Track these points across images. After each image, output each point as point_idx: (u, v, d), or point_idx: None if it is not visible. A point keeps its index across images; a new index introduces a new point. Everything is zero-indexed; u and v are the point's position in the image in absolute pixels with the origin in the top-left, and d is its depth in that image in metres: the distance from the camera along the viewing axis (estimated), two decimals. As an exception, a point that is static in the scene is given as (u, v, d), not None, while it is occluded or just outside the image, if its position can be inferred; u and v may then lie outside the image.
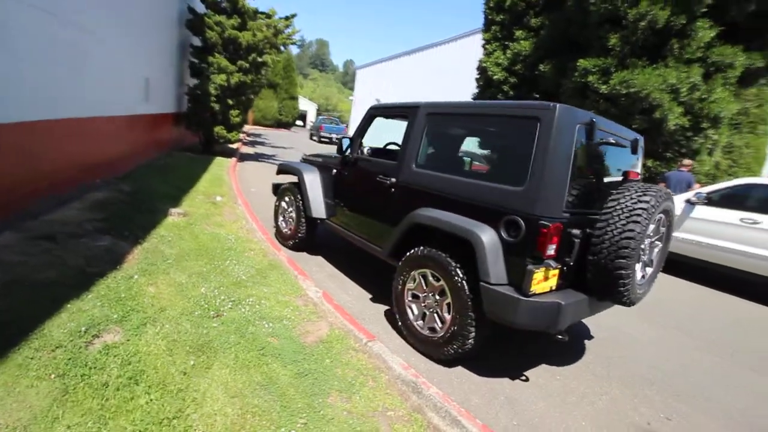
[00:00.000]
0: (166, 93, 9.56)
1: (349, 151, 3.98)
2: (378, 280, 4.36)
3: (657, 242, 2.77)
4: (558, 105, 2.38)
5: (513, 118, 2.60)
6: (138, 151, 7.86)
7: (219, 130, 11.01)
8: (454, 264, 2.71)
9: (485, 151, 2.89)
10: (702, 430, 2.58)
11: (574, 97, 9.47)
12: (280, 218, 5.10)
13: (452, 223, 2.69)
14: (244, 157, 12.92)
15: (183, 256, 3.84)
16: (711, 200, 5.72)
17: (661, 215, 2.64)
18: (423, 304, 3.01)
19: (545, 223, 2.33)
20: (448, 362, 2.86)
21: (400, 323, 3.15)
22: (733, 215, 5.30)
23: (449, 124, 3.14)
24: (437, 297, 2.89)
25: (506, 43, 11.82)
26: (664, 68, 8.01)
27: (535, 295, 2.36)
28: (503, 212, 2.51)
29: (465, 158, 2.99)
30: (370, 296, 3.92)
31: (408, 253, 3.08)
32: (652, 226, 2.50)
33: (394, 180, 3.36)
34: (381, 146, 4.52)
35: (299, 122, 49.56)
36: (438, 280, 2.85)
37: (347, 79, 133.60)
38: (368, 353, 2.70)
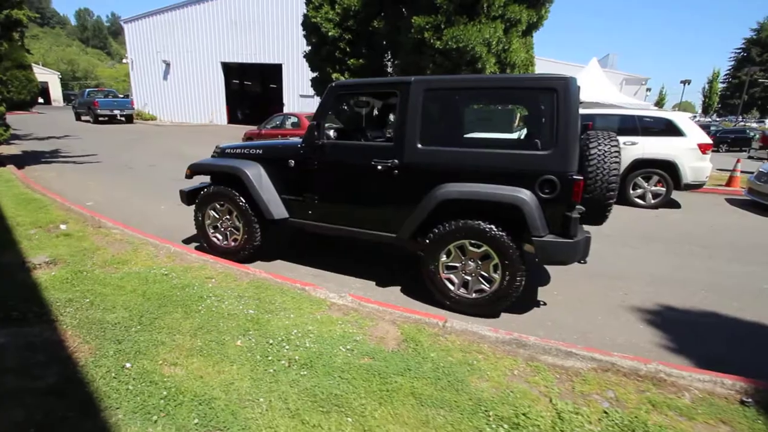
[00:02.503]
0: None
1: (310, 137, 3.51)
2: (364, 263, 4.26)
3: None
4: (569, 76, 2.81)
5: (528, 90, 2.91)
6: None
7: (-31, 128, 7.34)
8: (497, 229, 2.99)
9: (495, 122, 3.13)
10: (642, 294, 3.82)
11: (412, 53, 10.37)
12: (211, 231, 4.17)
13: (495, 193, 2.92)
14: (19, 162, 9.16)
15: (142, 315, 2.82)
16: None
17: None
18: (462, 273, 3.22)
19: (577, 177, 2.84)
20: (497, 313, 3.25)
21: (439, 297, 3.29)
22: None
23: (453, 98, 3.20)
24: (479, 262, 3.15)
25: (332, -3, 11.62)
26: (479, 25, 9.62)
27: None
28: (537, 174, 2.89)
29: (482, 130, 3.15)
30: (374, 282, 3.84)
31: (437, 231, 3.17)
32: (617, 162, 3.35)
33: (396, 162, 3.26)
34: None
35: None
36: (479, 246, 3.09)
37: (87, 35, 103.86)
38: (454, 333, 2.79)
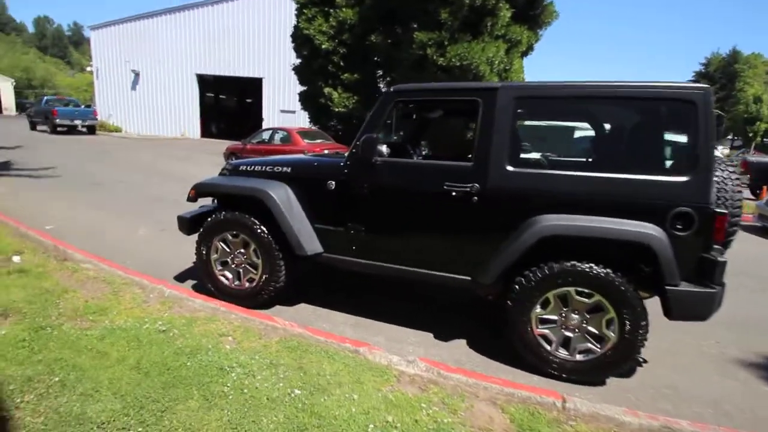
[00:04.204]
0: None
1: (365, 153, 2.77)
2: (406, 303, 3.51)
3: None
4: (708, 86, 2.27)
5: (659, 101, 2.34)
6: None
7: None
8: (614, 274, 2.36)
9: (607, 140, 2.55)
10: (732, 340, 3.28)
11: (412, 69, 9.92)
12: (218, 268, 3.30)
13: (619, 229, 2.29)
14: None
15: (143, 406, 1.94)
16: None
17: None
18: (562, 328, 2.55)
19: (720, 211, 2.27)
20: (604, 380, 2.58)
21: (531, 359, 2.59)
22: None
23: (553, 110, 2.60)
24: (586, 315, 2.49)
25: (326, 9, 11.06)
26: (483, 43, 9.33)
27: (715, 282, 2.33)
28: (669, 206, 2.29)
29: (594, 150, 2.57)
30: (431, 334, 3.08)
31: (531, 275, 2.50)
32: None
33: (477, 186, 2.58)
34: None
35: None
36: (589, 296, 2.44)
37: (46, 43, 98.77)
38: (580, 417, 2.08)
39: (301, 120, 16.67)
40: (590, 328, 2.49)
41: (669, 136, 2.48)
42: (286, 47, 14.89)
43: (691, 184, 2.27)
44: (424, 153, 3.38)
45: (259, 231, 3.05)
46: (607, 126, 2.64)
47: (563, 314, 2.53)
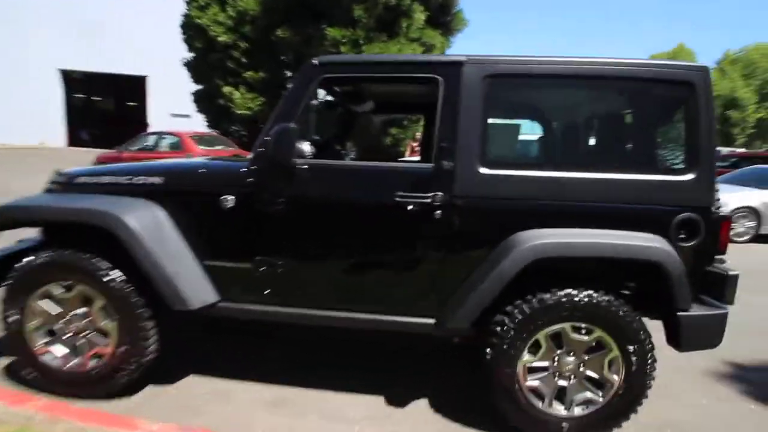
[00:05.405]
0: None
1: (280, 152, 1.88)
2: (332, 354, 2.64)
3: None
4: (705, 65, 1.88)
5: (652, 82, 1.87)
6: None
7: None
8: (617, 302, 1.84)
9: (592, 130, 2.03)
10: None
11: (325, 68, 9.12)
12: (40, 341, 2.07)
13: (628, 245, 1.77)
14: None
15: None
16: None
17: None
18: (556, 376, 1.96)
19: (725, 214, 1.90)
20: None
21: (520, 421, 1.95)
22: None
23: (534, 93, 1.98)
24: (584, 357, 1.93)
25: (222, -4, 9.67)
26: (400, 44, 8.95)
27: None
28: (673, 212, 1.85)
29: (579, 143, 2.01)
30: (383, 398, 2.27)
31: (516, 311, 1.87)
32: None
33: (440, 195, 1.87)
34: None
35: None
36: (588, 332, 1.89)
37: None
38: None
39: (198, 126, 14.68)
40: (588, 372, 1.94)
41: (664, 126, 2.08)
42: (175, 40, 12.93)
43: (696, 183, 1.85)
44: (357, 154, 2.60)
45: (107, 278, 1.94)
46: (599, 115, 2.16)
47: (556, 358, 1.94)
